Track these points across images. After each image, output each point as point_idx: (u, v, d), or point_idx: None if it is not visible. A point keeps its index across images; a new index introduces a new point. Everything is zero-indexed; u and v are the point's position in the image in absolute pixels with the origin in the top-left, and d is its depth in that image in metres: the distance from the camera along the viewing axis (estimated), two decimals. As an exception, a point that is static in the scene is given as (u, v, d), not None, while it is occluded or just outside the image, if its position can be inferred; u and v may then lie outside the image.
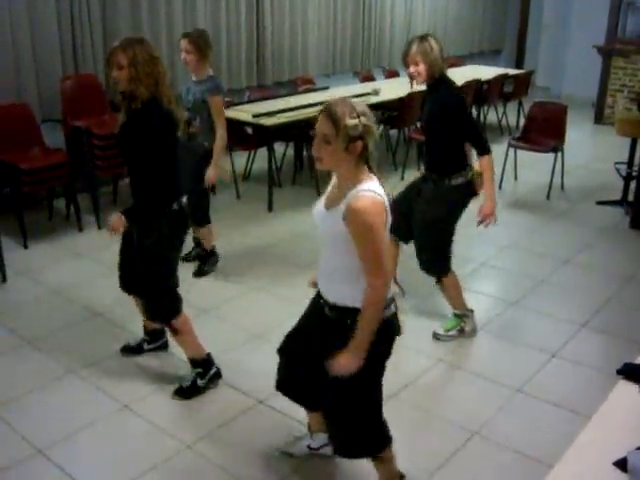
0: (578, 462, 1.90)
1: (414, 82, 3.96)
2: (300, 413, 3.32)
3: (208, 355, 3.75)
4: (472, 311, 4.38)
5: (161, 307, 3.61)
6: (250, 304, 4.71)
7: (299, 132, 7.03)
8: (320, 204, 2.62)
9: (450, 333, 4.31)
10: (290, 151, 7.78)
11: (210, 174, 4.73)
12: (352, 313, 2.51)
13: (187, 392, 3.68)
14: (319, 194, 2.77)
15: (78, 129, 6.02)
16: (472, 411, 3.61)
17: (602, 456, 1.91)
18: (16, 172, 5.42)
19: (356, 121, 2.36)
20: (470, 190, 4.09)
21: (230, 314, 4.54)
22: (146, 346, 4.05)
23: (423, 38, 3.90)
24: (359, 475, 3.12)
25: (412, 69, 3.89)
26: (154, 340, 4.05)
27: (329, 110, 2.40)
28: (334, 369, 2.49)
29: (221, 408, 3.60)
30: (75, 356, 4.02)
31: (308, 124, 6.79)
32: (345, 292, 2.56)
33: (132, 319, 4.16)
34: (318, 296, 2.74)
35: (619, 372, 2.36)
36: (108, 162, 5.92)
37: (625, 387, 2.27)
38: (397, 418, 3.52)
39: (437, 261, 4.18)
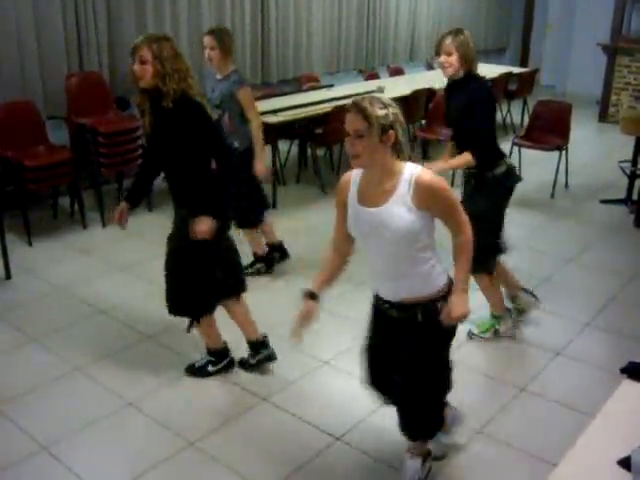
0: (582, 460, 1.90)
1: (444, 72, 3.92)
2: (304, 411, 3.33)
3: (225, 344, 3.83)
4: (510, 310, 4.40)
5: (185, 304, 3.66)
6: (256, 301, 4.68)
7: (303, 130, 7.03)
8: (358, 209, 2.61)
9: (484, 335, 4.30)
10: (294, 149, 7.78)
11: (259, 167, 4.73)
12: (422, 306, 2.67)
13: (196, 371, 3.79)
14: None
15: (83, 126, 6.03)
16: (476, 410, 3.60)
17: (606, 454, 1.91)
18: (21, 169, 5.44)
19: (386, 110, 2.44)
20: (513, 177, 4.20)
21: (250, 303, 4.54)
22: (211, 368, 3.86)
23: (459, 31, 3.89)
24: (361, 469, 3.12)
25: (443, 58, 3.84)
26: (218, 361, 3.88)
27: (357, 105, 2.45)
28: (452, 315, 2.59)
29: (226, 405, 3.61)
30: (79, 353, 4.03)
31: (312, 122, 6.81)
32: (418, 284, 2.65)
33: (136, 317, 4.17)
34: (379, 307, 2.81)
35: (623, 371, 2.37)
36: (112, 159, 5.94)
37: (629, 386, 2.27)
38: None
39: (482, 259, 4.00)
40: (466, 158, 3.92)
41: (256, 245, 5.08)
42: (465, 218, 2.62)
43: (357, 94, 7.28)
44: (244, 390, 3.73)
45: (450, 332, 2.79)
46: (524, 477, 3.13)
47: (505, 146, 7.37)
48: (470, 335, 4.30)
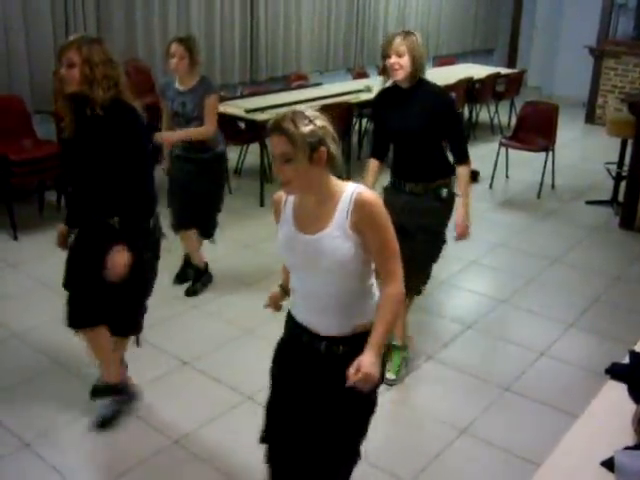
0: (565, 461, 1.91)
1: (394, 75, 3.49)
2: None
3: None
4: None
5: (139, 320, 3.45)
6: (241, 299, 4.70)
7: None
8: (290, 235, 2.28)
9: (400, 375, 3.87)
10: (282, 147, 7.76)
11: (165, 135, 4.50)
12: (348, 340, 2.27)
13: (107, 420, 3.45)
14: (262, 204, 2.72)
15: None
16: (460, 409, 3.62)
17: (589, 456, 1.92)
18: (6, 163, 5.40)
19: (312, 126, 2.11)
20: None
21: (220, 309, 4.54)
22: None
23: (409, 32, 3.52)
24: None
25: (394, 60, 3.44)
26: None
27: (279, 126, 2.11)
28: (360, 380, 2.05)
29: (209, 404, 3.60)
30: (63, 350, 4.00)
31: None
32: (367, 309, 2.27)
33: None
34: (304, 345, 2.35)
35: (607, 372, 2.38)
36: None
37: (613, 387, 2.28)
38: (384, 416, 3.52)
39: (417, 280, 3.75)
40: (465, 171, 3.71)
41: (199, 257, 4.87)
42: (400, 268, 2.21)
43: (345, 93, 7.35)
44: (228, 388, 3.72)
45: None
46: (508, 477, 3.15)
47: (492, 146, 7.46)
48: (389, 383, 3.77)
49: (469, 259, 5.48)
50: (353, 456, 2.46)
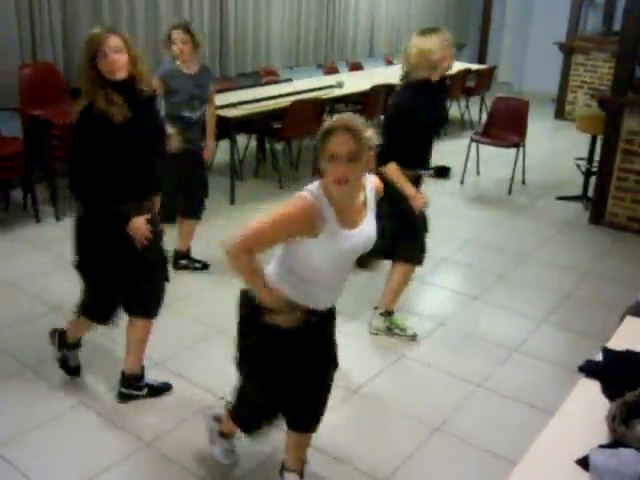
0: (540, 460, 1.90)
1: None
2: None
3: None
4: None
5: (161, 300, 3.52)
6: (211, 298, 4.65)
7: (261, 124, 6.97)
8: (343, 235, 2.38)
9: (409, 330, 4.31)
10: (253, 143, 7.71)
11: (208, 154, 4.88)
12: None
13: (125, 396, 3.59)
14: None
15: (36, 118, 5.88)
16: (433, 407, 3.61)
17: (564, 454, 1.91)
18: (-30, 161, 5.29)
19: (370, 131, 2.32)
20: None
21: (191, 308, 4.48)
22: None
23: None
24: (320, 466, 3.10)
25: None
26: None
27: (350, 126, 2.26)
28: None
29: (181, 405, 3.54)
30: (29, 352, 3.91)
31: (271, 116, 6.76)
32: None
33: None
34: (312, 325, 2.58)
35: (580, 369, 2.37)
36: (67, 152, 5.78)
37: (586, 385, 2.27)
38: (358, 414, 3.52)
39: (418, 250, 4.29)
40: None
41: (187, 241, 5.07)
42: None
43: (316, 88, 7.30)
44: (200, 388, 3.67)
45: None
46: (482, 475, 3.14)
47: (463, 142, 7.48)
48: (372, 328, 4.27)
49: (440, 256, 5.47)
50: None
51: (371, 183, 2.53)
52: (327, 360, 2.77)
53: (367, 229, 2.48)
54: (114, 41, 3.00)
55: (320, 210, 2.32)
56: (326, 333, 2.74)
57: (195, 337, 4.14)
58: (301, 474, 2.86)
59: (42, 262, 5.06)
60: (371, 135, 2.31)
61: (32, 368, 3.78)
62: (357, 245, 2.46)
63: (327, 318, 2.68)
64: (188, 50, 4.50)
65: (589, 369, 2.35)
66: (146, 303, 3.43)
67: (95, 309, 3.46)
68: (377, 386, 3.78)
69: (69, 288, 4.60)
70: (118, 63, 3.00)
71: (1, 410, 3.44)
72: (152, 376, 3.65)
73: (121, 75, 3.03)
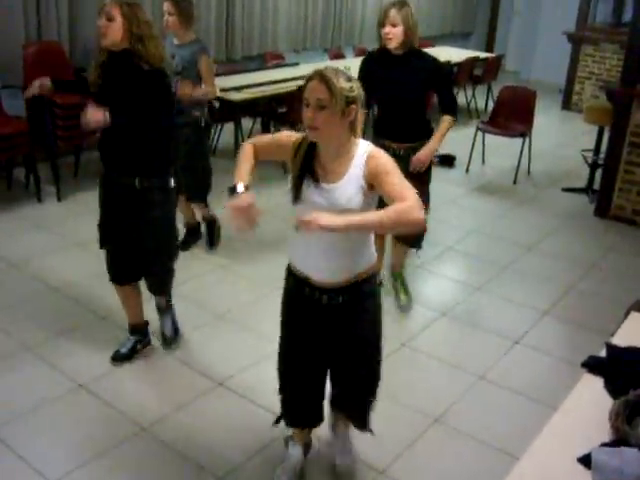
0: (542, 457, 1.87)
1: (387, 44, 3.90)
2: (259, 397, 3.29)
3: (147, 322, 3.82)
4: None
5: (171, 276, 3.68)
6: (212, 284, 4.62)
7: (267, 107, 6.93)
8: (309, 183, 2.44)
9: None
10: (257, 126, 7.67)
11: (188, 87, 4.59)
12: (365, 281, 2.58)
13: (175, 337, 3.81)
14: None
15: (40, 97, 5.81)
16: (434, 397, 3.59)
17: (566, 451, 1.89)
18: (-27, 139, 5.25)
19: (350, 84, 2.35)
20: None
21: (191, 293, 4.44)
22: (138, 346, 3.77)
23: (404, 3, 3.86)
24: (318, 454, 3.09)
25: (388, 29, 3.84)
26: (143, 338, 3.82)
27: (322, 74, 2.33)
28: (308, 223, 2.17)
29: (179, 390, 3.53)
30: (30, 332, 3.90)
31: (276, 100, 6.71)
32: (363, 258, 2.56)
33: (90, 295, 4.07)
34: (306, 297, 2.60)
35: (583, 365, 2.34)
36: (70, 132, 5.76)
37: (590, 381, 2.25)
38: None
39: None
40: (450, 123, 4.01)
41: (192, 217, 5.13)
42: (414, 194, 2.29)
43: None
44: (199, 374, 3.65)
45: (378, 304, 2.72)
46: (482, 467, 3.12)
47: (469, 131, 7.42)
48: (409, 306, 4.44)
49: (445, 245, 5.44)
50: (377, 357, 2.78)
51: (366, 153, 2.41)
52: (337, 342, 2.68)
53: (336, 193, 2.40)
54: (107, 8, 3.11)
55: (296, 146, 2.50)
56: (323, 324, 2.63)
57: (193, 323, 4.11)
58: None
59: (43, 242, 5.04)
60: (349, 87, 2.34)
61: (32, 349, 3.76)
62: (318, 201, 2.41)
63: (332, 306, 2.57)
64: (174, 21, 4.48)
65: (593, 365, 2.33)
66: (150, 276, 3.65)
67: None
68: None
69: (70, 268, 4.62)
70: (101, 30, 3.12)
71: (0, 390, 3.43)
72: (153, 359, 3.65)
73: (105, 42, 3.15)
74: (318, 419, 2.90)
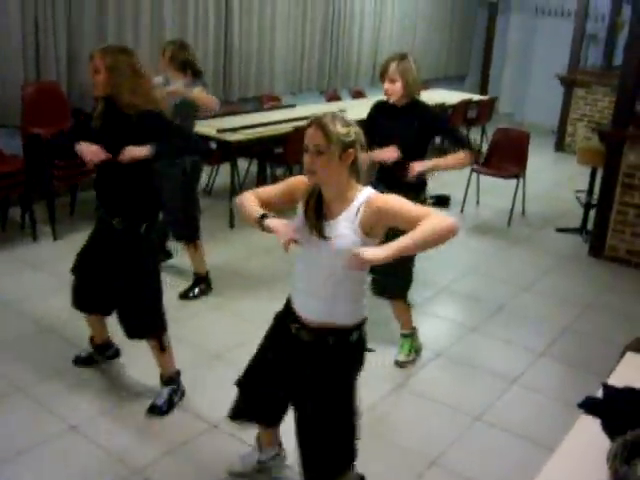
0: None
1: (388, 98, 3.95)
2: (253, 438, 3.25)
3: (178, 371, 3.74)
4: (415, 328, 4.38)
5: (154, 322, 3.59)
6: (208, 323, 4.61)
7: (263, 149, 6.97)
8: (299, 228, 2.49)
9: (410, 357, 4.28)
10: (253, 167, 7.71)
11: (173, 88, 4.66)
12: (337, 332, 2.56)
13: (163, 409, 3.61)
14: (282, 212, 2.69)
15: (37, 137, 5.88)
16: (430, 439, 3.56)
17: (564, 494, 1.87)
18: (-30, 179, 5.27)
19: (347, 129, 2.40)
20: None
21: (187, 333, 4.41)
22: (96, 357, 3.97)
23: (403, 57, 3.90)
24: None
25: (387, 85, 3.89)
26: (104, 350, 3.98)
27: (319, 121, 2.40)
28: (363, 254, 2.21)
29: (172, 431, 3.49)
30: (23, 373, 3.87)
31: (272, 141, 6.76)
32: (345, 309, 2.55)
33: (84, 336, 4.03)
34: (284, 323, 2.68)
35: (580, 406, 2.33)
36: (66, 172, 5.79)
37: (587, 422, 2.23)
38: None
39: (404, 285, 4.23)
40: (461, 157, 3.97)
41: (197, 263, 5.01)
42: (428, 209, 2.39)
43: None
44: (193, 415, 3.62)
45: (358, 364, 2.68)
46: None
47: (464, 172, 7.46)
48: (399, 364, 4.24)
49: (440, 285, 5.44)
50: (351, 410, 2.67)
51: (368, 198, 2.43)
52: (294, 386, 2.69)
53: (329, 230, 2.44)
54: (95, 62, 3.30)
55: (302, 188, 2.55)
56: (299, 360, 2.63)
57: (188, 363, 4.08)
58: None
59: (39, 282, 5.02)
60: (346, 131, 2.39)
61: (24, 390, 3.72)
62: (312, 242, 2.47)
63: (304, 342, 2.60)
64: (164, 64, 4.76)
65: (589, 406, 2.32)
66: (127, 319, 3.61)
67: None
68: (372, 417, 3.72)
69: (64, 308, 4.57)
70: (94, 82, 3.32)
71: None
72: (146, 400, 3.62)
73: (95, 92, 3.35)
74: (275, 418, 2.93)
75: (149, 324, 3.59)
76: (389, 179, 3.94)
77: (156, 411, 3.60)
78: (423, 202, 4.05)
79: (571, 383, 4.15)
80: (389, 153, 3.85)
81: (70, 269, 3.66)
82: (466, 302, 5.32)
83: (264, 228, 2.47)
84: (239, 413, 2.92)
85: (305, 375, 2.62)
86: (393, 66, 3.85)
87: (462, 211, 7.35)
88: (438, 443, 3.52)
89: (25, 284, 4.98)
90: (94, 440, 3.37)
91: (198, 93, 4.66)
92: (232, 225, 6.36)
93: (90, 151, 3.31)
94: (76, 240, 5.69)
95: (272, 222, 2.45)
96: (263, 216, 2.48)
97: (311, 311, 2.57)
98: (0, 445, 3.28)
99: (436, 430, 3.65)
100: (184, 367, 3.95)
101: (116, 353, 4.02)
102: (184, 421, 3.57)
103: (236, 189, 6.58)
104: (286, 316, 2.69)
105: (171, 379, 3.69)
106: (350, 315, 2.57)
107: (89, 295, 3.65)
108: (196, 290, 4.97)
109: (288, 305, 2.69)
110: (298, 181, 2.61)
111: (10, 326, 4.38)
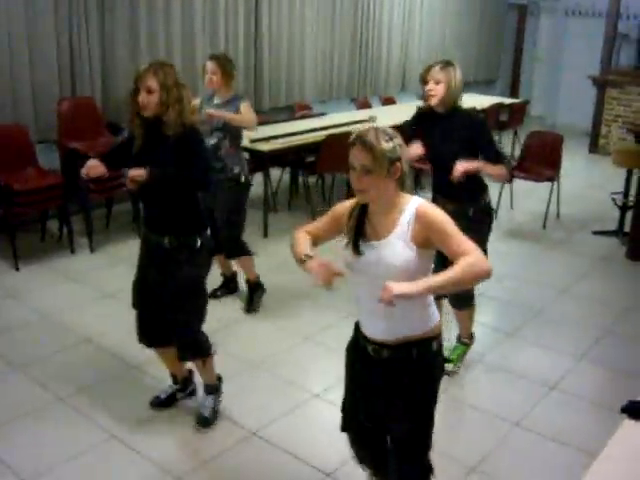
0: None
1: (429, 100, 3.87)
2: (291, 446, 3.26)
3: (220, 377, 3.75)
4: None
5: (200, 342, 3.53)
6: (247, 333, 4.63)
7: (295, 157, 7.01)
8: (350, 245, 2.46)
9: (459, 364, 4.29)
10: (286, 176, 7.75)
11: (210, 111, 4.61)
12: (417, 344, 2.49)
13: (210, 421, 3.62)
14: (314, 219, 2.70)
15: (73, 151, 5.98)
16: (470, 446, 3.53)
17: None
18: (9, 193, 5.37)
19: (392, 143, 2.35)
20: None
21: (226, 343, 4.42)
22: (179, 395, 3.82)
23: (449, 62, 3.90)
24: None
25: (431, 86, 3.83)
26: (185, 388, 3.84)
27: (363, 140, 2.34)
28: (385, 292, 2.19)
29: (212, 439, 3.51)
30: (63, 383, 3.93)
31: (304, 150, 6.79)
32: (414, 322, 2.48)
33: (122, 345, 4.09)
34: (357, 351, 2.63)
35: (623, 410, 2.30)
36: (103, 185, 5.87)
37: (630, 426, 2.20)
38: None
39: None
40: (502, 170, 3.93)
41: (249, 271, 5.03)
42: (476, 248, 2.32)
43: (349, 122, 7.33)
44: (233, 423, 3.64)
45: (440, 371, 2.67)
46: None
47: (497, 176, 7.41)
48: (448, 374, 4.05)
49: (477, 291, 5.39)
50: (425, 438, 2.69)
51: (416, 209, 2.39)
52: (366, 406, 2.67)
53: (383, 249, 2.39)
54: (147, 82, 3.15)
55: (346, 213, 2.54)
56: (373, 378, 2.60)
57: (227, 372, 4.09)
58: None
59: (76, 293, 5.10)
60: (391, 147, 2.34)
61: (65, 400, 3.78)
62: (367, 256, 2.42)
63: (379, 360, 2.54)
64: (217, 81, 4.63)
65: (633, 410, 2.29)
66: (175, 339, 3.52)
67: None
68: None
69: (102, 319, 4.66)
70: (143, 103, 3.17)
71: (34, 443, 3.44)
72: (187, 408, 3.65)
73: (147, 113, 3.19)
74: None
75: (198, 348, 3.53)
76: (445, 188, 3.94)
77: (204, 423, 3.59)
78: (482, 213, 4.03)
79: (612, 387, 4.10)
80: (413, 150, 3.78)
81: (131, 304, 3.55)
82: (503, 307, 5.28)
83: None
84: (357, 460, 2.90)
85: (393, 394, 2.56)
86: (437, 68, 3.83)
87: (496, 216, 7.28)
88: (477, 450, 3.49)
89: (64, 296, 5.06)
90: (134, 449, 3.41)
91: (239, 115, 4.63)
92: (266, 235, 6.39)
93: (87, 166, 3.27)
94: (112, 251, 5.83)
95: (309, 265, 2.42)
96: (305, 258, 2.45)
97: (383, 332, 2.50)
98: (42, 454, 3.33)
99: (474, 436, 3.63)
100: (223, 375, 3.97)
101: (193, 392, 3.87)
102: (225, 429, 3.60)
103: (269, 198, 6.61)
104: (357, 343, 2.63)
105: (214, 388, 3.69)
106: (425, 322, 2.50)
107: (153, 327, 3.51)
108: (257, 300, 5.00)
109: (357, 331, 2.64)
110: (341, 208, 2.59)
111: (50, 337, 4.45)
